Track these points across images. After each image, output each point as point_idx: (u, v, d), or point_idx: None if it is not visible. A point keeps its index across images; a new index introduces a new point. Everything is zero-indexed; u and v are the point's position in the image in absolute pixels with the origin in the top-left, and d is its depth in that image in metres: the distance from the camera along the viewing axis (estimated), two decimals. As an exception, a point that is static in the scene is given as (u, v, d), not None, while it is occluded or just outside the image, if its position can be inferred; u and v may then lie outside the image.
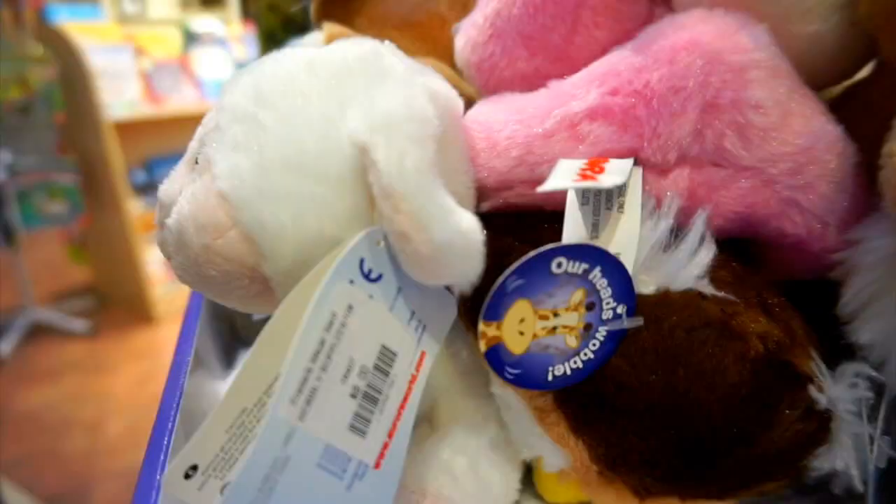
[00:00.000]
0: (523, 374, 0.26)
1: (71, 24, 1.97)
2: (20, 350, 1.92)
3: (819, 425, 0.27)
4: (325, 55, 0.28)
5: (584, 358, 0.26)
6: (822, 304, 0.29)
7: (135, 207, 2.06)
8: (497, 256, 0.25)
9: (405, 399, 0.24)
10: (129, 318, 2.13)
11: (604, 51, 0.32)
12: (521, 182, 0.30)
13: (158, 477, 0.22)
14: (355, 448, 0.22)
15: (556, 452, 0.29)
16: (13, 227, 1.90)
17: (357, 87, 0.26)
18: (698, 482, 0.28)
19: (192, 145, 0.30)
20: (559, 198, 0.28)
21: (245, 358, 0.24)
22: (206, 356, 0.38)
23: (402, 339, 0.25)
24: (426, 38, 0.46)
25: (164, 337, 2.03)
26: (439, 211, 0.21)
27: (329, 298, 0.22)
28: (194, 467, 0.23)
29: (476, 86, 0.39)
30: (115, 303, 2.23)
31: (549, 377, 0.26)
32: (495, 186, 0.31)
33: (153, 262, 2.10)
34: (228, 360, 0.44)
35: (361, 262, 0.24)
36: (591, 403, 0.27)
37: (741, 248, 0.31)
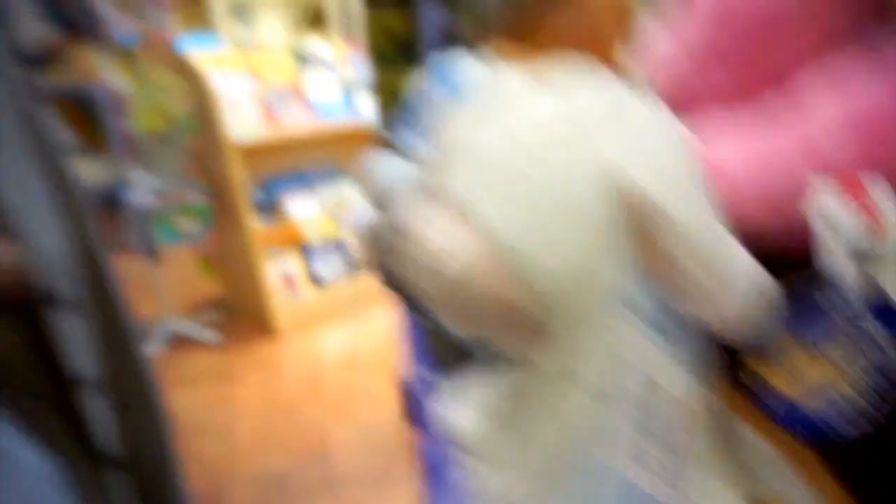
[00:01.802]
0: (795, 420, 0.24)
1: (198, 55, 2.13)
2: (161, 357, 2.11)
3: None
4: (573, 101, 0.28)
5: (858, 407, 0.24)
6: None
7: (255, 225, 2.19)
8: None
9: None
10: (253, 329, 2.28)
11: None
12: (774, 231, 0.28)
13: None
14: None
15: (803, 498, 0.27)
16: (156, 244, 2.10)
17: (611, 132, 0.26)
18: None
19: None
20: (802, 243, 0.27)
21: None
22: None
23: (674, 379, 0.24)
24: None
25: (283, 348, 2.15)
26: (740, 263, 0.21)
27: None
28: None
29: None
30: (240, 315, 2.39)
31: (823, 426, 0.24)
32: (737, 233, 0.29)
33: (272, 275, 2.22)
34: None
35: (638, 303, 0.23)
36: (861, 451, 0.25)
37: None
